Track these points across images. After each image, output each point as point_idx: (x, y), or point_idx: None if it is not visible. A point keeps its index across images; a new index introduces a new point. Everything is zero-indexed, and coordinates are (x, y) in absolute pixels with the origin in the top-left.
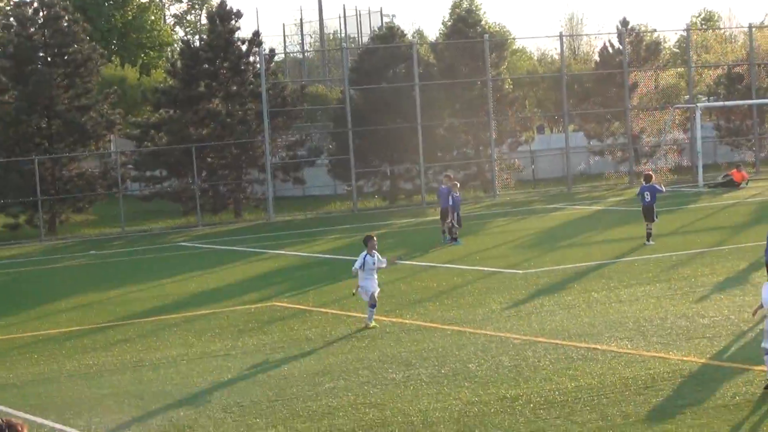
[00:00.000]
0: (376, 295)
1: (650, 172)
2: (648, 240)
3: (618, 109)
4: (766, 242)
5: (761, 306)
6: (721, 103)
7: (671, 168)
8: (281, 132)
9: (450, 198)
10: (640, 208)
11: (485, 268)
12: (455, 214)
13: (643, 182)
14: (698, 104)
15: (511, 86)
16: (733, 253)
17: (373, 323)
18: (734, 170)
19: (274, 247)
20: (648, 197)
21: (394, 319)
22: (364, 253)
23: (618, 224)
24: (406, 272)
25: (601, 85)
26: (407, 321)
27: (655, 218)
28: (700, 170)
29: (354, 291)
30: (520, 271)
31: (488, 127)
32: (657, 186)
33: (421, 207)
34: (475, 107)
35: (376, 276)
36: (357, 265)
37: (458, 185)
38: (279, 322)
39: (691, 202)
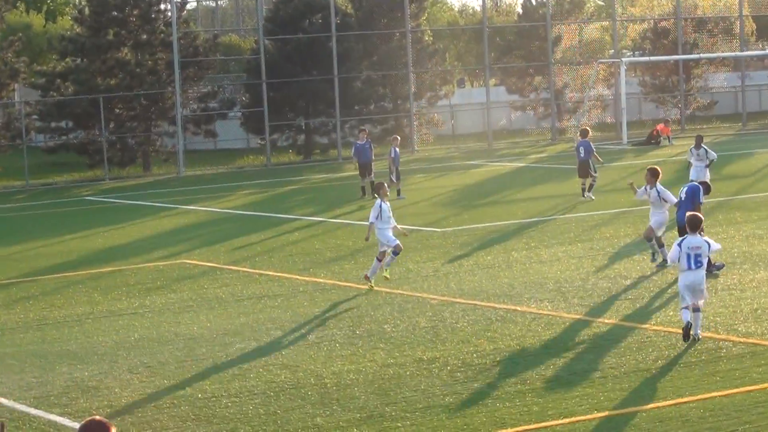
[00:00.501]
0: (399, 243)
1: (587, 128)
2: (586, 193)
3: (541, 63)
4: (677, 203)
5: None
6: (646, 59)
7: (594, 124)
8: (192, 83)
9: (392, 151)
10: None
11: (403, 226)
12: (396, 169)
13: (580, 137)
14: (623, 59)
15: (431, 38)
16: None
17: (387, 273)
18: (661, 125)
19: (184, 203)
20: (583, 153)
21: (307, 278)
22: (379, 201)
23: (539, 182)
24: (320, 229)
25: (524, 38)
26: (321, 280)
27: (592, 173)
28: (624, 127)
29: (368, 237)
30: (439, 230)
31: (407, 81)
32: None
33: (337, 162)
34: (393, 60)
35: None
36: (373, 216)
37: (399, 140)
38: (188, 280)
39: (614, 159)
